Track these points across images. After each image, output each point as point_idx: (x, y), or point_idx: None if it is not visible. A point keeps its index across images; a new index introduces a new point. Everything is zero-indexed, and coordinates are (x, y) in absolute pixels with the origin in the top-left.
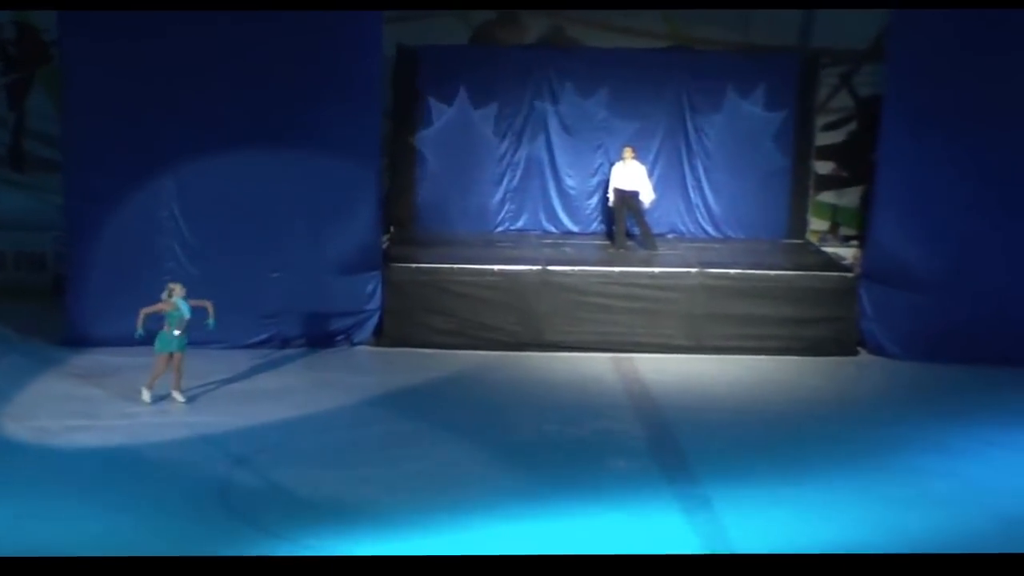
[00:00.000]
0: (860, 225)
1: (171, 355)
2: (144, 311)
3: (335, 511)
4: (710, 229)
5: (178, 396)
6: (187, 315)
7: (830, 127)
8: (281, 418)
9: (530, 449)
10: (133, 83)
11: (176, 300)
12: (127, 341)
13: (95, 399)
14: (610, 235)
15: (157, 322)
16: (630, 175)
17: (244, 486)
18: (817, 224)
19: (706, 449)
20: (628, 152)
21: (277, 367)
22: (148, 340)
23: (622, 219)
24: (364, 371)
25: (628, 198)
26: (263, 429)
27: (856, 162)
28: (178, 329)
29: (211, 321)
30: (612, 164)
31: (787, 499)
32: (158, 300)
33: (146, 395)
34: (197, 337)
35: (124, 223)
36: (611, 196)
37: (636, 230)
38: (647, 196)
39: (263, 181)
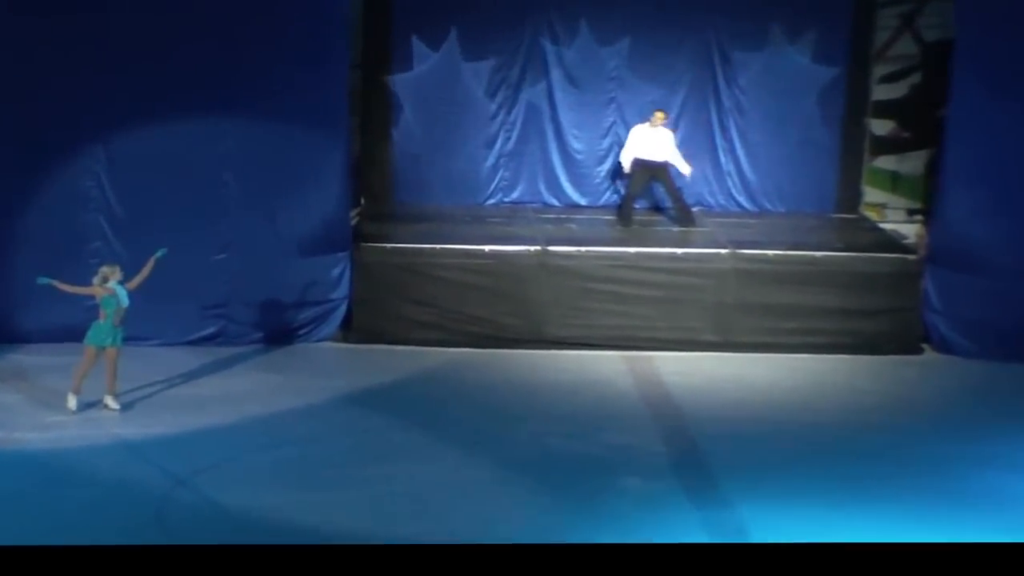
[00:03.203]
0: (925, 197)
1: (103, 350)
2: (67, 287)
3: (292, 541)
4: (744, 201)
5: (111, 403)
6: (125, 303)
7: (889, 79)
8: (229, 429)
9: (528, 467)
10: (55, 29)
11: (112, 285)
12: (49, 337)
13: (10, 406)
14: (620, 208)
15: (85, 313)
16: (659, 143)
17: (184, 510)
18: (873, 195)
19: (739, 466)
20: (659, 116)
21: (224, 368)
22: (68, 323)
23: (636, 193)
24: (328, 373)
25: (656, 170)
26: (207, 443)
27: (920, 121)
28: (116, 319)
29: (160, 252)
30: (627, 123)
31: (836, 527)
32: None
33: (72, 401)
34: (131, 332)
35: (43, 196)
36: (625, 164)
37: (668, 204)
38: (684, 167)
39: (207, 145)
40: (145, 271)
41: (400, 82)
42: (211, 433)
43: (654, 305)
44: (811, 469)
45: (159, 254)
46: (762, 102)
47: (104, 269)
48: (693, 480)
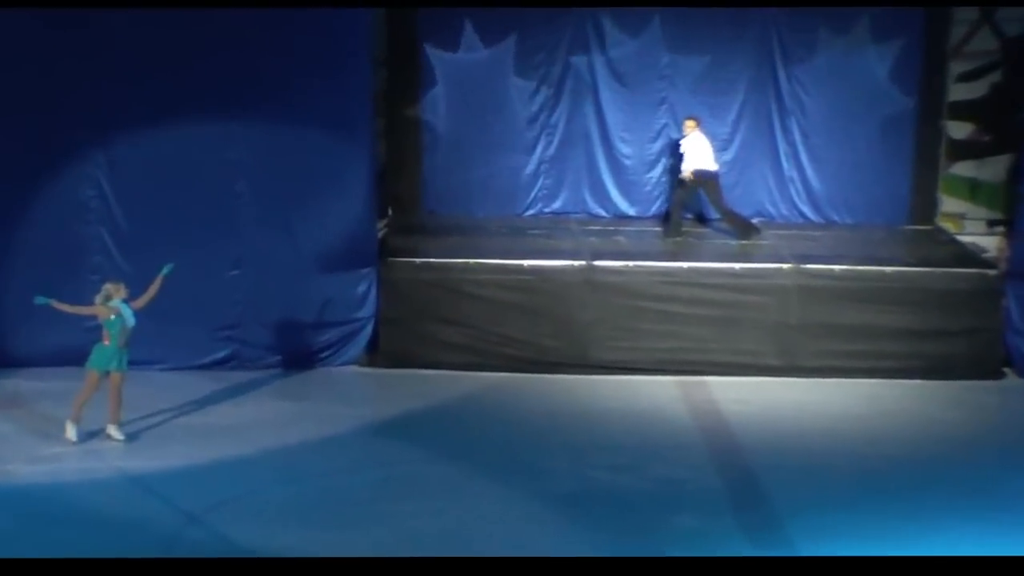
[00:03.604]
0: (1007, 206)
1: (107, 374)
2: (66, 307)
3: None
4: (808, 212)
5: (115, 433)
6: (131, 323)
7: (968, 77)
8: (243, 462)
9: (571, 503)
10: (51, 27)
11: (117, 303)
12: (47, 361)
13: (3, 436)
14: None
15: (86, 335)
16: (695, 151)
17: (194, 549)
18: (950, 205)
19: (803, 503)
20: (689, 125)
21: (238, 395)
22: (67, 345)
23: (682, 200)
24: (352, 400)
25: (704, 181)
26: (219, 476)
27: (1001, 123)
28: (120, 341)
29: (166, 268)
30: (679, 125)
31: None
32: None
33: (71, 431)
34: (135, 356)
35: (39, 206)
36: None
37: (716, 216)
38: (687, 173)
39: (218, 151)
40: (152, 289)
41: (430, 81)
42: (223, 466)
43: (710, 325)
44: (880, 505)
45: (166, 270)
46: (828, 103)
47: (107, 287)
48: (752, 518)
